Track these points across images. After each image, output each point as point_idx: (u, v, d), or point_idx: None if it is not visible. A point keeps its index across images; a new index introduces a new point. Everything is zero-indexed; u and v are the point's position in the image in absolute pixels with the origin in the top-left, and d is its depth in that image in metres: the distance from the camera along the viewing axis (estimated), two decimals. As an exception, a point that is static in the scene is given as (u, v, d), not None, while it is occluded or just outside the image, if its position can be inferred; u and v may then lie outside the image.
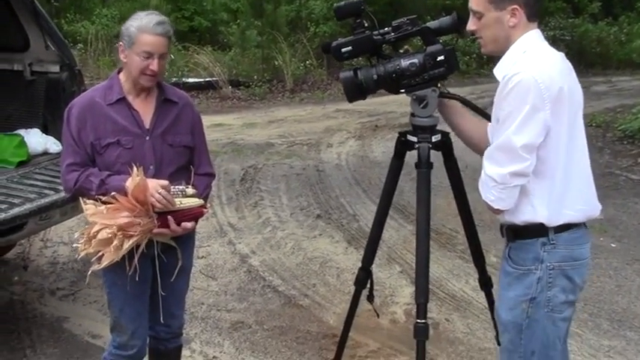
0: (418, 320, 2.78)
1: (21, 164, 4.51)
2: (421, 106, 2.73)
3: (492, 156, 2.32)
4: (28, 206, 3.81)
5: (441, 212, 5.75)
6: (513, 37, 2.35)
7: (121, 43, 2.76)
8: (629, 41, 17.13)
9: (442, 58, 2.67)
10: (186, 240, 2.95)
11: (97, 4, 17.25)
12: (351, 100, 2.80)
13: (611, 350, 3.99)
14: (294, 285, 4.85)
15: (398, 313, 4.43)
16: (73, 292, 4.68)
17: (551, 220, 2.34)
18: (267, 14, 13.79)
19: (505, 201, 2.32)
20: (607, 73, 15.43)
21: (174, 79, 12.08)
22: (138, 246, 2.67)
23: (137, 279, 2.76)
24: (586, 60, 15.28)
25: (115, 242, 2.60)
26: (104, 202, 2.64)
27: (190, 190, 2.81)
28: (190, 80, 12.80)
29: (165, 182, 2.70)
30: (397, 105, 10.17)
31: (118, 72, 2.86)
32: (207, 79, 13.00)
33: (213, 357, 3.93)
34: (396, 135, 2.97)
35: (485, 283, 3.11)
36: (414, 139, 2.82)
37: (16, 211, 3.73)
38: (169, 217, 2.71)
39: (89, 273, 2.71)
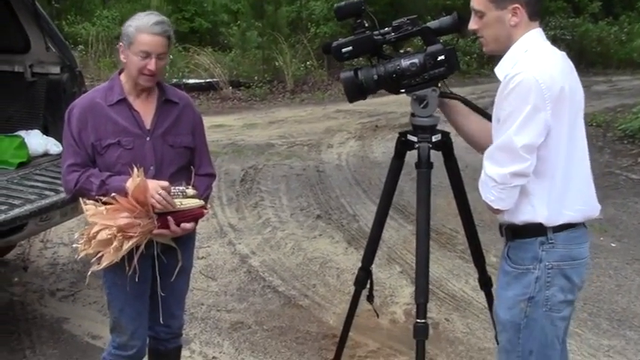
0: (418, 320, 2.78)
1: (21, 165, 4.51)
2: (421, 106, 2.73)
3: (493, 156, 2.32)
4: (28, 207, 3.81)
5: (441, 212, 5.75)
6: (515, 36, 2.35)
7: (121, 43, 2.76)
8: (629, 41, 17.12)
9: (442, 58, 2.67)
10: (187, 240, 2.95)
11: (98, 5, 17.27)
12: (351, 100, 2.80)
13: (610, 350, 3.99)
14: (294, 285, 4.85)
15: (398, 313, 4.43)
16: (72, 293, 4.68)
17: (551, 220, 2.34)
18: (267, 15, 13.81)
19: (505, 201, 2.32)
20: (607, 73, 15.42)
21: (174, 80, 12.08)
22: (137, 246, 2.68)
23: (137, 279, 2.76)
24: (586, 59, 15.27)
25: (115, 244, 2.61)
26: (104, 203, 2.65)
27: (191, 191, 2.81)
28: (191, 81, 12.81)
29: (165, 183, 2.70)
30: (397, 105, 10.17)
31: (119, 73, 2.87)
32: (207, 80, 13.01)
33: (213, 357, 3.94)
34: (397, 135, 2.97)
35: (485, 283, 3.11)
36: (414, 139, 2.82)
37: (16, 212, 3.74)
38: (169, 217, 2.71)
39: (89, 274, 2.72)
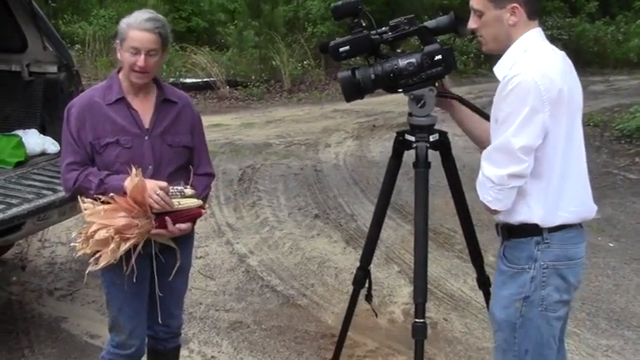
0: (416, 320, 2.78)
1: (19, 165, 4.50)
2: (419, 105, 2.73)
3: (490, 157, 2.32)
4: (26, 206, 3.80)
5: (439, 212, 5.75)
6: (514, 36, 2.35)
7: (117, 41, 2.77)
8: (626, 40, 17.15)
9: (440, 57, 2.67)
10: (185, 240, 2.95)
11: (95, 5, 17.28)
12: (348, 99, 2.80)
13: (609, 350, 4.00)
14: (292, 285, 4.86)
15: (396, 312, 4.43)
16: (71, 292, 4.68)
17: (546, 221, 2.35)
18: (264, 14, 13.81)
19: (502, 202, 2.32)
20: (604, 73, 15.45)
21: (171, 79, 12.08)
22: (135, 246, 2.68)
23: (135, 280, 2.76)
24: (583, 59, 15.29)
25: (112, 245, 2.61)
26: (103, 202, 2.65)
27: (189, 191, 2.81)
28: (188, 80, 12.81)
29: (163, 183, 2.70)
30: (395, 104, 10.18)
31: (118, 72, 2.86)
32: (204, 80, 13.01)
33: (212, 357, 3.93)
34: (394, 134, 2.97)
35: (484, 283, 3.11)
36: (412, 138, 2.82)
37: (14, 211, 3.73)
38: (167, 218, 2.71)
39: (87, 273, 2.71)
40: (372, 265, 3.19)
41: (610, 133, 9.18)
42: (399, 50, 2.84)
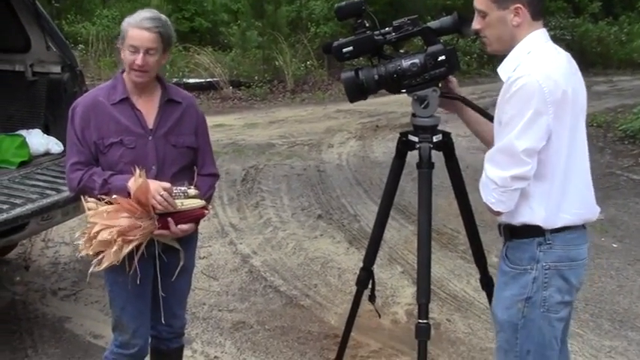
0: (420, 320, 2.78)
1: (22, 165, 4.51)
2: (422, 106, 2.73)
3: (494, 158, 2.32)
4: (29, 206, 3.81)
5: (442, 212, 5.75)
6: (518, 37, 2.35)
7: (120, 41, 2.78)
8: (629, 41, 17.13)
9: (443, 58, 2.67)
10: (189, 240, 2.95)
11: (98, 5, 17.28)
12: (352, 100, 2.80)
13: (612, 351, 3.99)
14: (295, 285, 4.86)
15: (399, 313, 4.43)
16: (74, 292, 4.69)
17: (549, 222, 2.34)
18: (267, 15, 13.80)
19: (505, 204, 2.32)
20: (608, 73, 15.42)
21: (175, 79, 12.08)
22: (138, 247, 2.68)
23: (138, 280, 2.76)
24: (587, 60, 15.25)
25: (115, 247, 2.61)
26: (107, 203, 2.65)
27: (192, 191, 2.81)
28: (191, 81, 12.80)
29: (167, 184, 2.70)
30: (398, 105, 10.17)
31: (122, 72, 2.87)
32: (208, 80, 13.01)
33: (215, 357, 3.94)
34: (397, 135, 2.97)
35: (487, 284, 3.10)
36: (415, 139, 2.82)
37: (17, 211, 3.74)
38: (169, 219, 2.71)
39: (90, 272, 2.72)
40: (375, 266, 3.19)
41: (613, 134, 9.16)
42: (402, 51, 2.84)
